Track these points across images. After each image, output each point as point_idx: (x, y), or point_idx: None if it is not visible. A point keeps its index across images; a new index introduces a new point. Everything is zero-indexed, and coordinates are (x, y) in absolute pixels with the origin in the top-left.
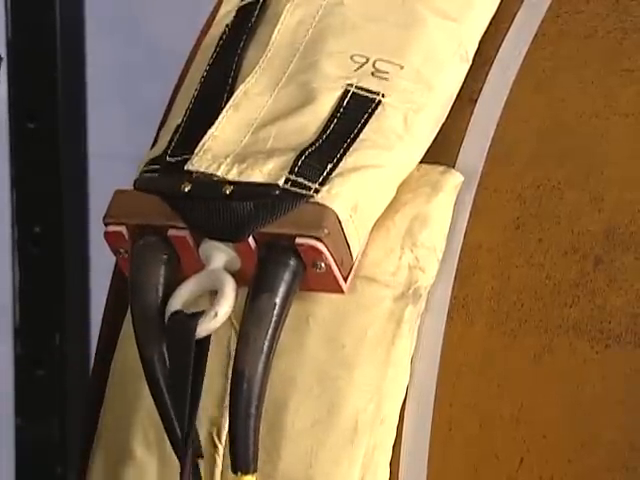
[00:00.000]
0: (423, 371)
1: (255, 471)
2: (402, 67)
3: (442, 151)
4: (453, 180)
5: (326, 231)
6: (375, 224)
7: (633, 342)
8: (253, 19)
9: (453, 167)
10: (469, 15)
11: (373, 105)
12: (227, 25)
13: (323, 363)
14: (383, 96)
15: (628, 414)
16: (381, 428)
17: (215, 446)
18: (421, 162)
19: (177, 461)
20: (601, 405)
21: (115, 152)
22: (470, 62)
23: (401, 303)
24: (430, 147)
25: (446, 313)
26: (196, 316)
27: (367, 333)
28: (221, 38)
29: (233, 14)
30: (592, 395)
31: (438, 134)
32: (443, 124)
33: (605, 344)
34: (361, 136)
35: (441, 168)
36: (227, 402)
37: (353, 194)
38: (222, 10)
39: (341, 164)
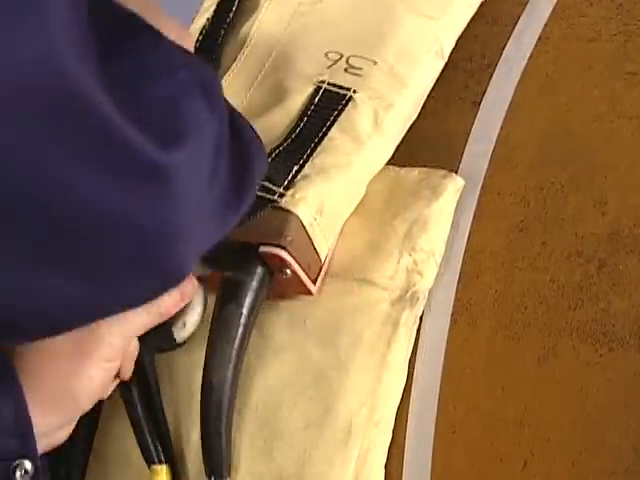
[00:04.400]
0: (427, 374)
1: (228, 476)
2: (375, 63)
3: (445, 154)
4: (454, 185)
5: (289, 239)
6: (374, 227)
7: (637, 345)
8: (231, 14)
9: (456, 170)
10: (446, 12)
11: (344, 102)
12: (208, 19)
13: (319, 365)
14: (354, 92)
15: (632, 417)
16: (375, 430)
17: (186, 442)
18: (424, 166)
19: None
20: (605, 408)
21: None
22: (446, 59)
23: (398, 306)
24: (433, 150)
25: (450, 316)
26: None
27: (363, 336)
28: (201, 33)
29: (213, 8)
30: (596, 398)
31: (441, 137)
32: (446, 127)
33: (609, 347)
34: (329, 134)
35: (442, 172)
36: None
37: (318, 197)
38: (205, 4)
39: (307, 165)
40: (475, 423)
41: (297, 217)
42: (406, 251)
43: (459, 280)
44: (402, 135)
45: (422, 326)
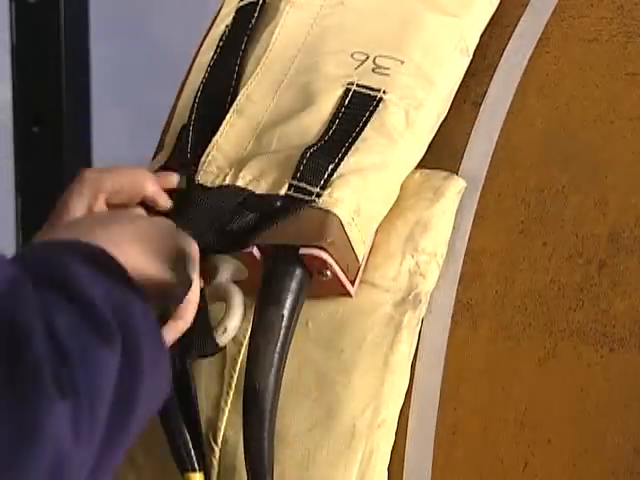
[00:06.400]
0: (427, 375)
1: None
2: (402, 62)
3: (446, 155)
4: (455, 186)
5: (329, 240)
6: (376, 228)
7: (637, 346)
8: (253, 20)
9: (457, 171)
10: (469, 10)
11: (374, 102)
12: (227, 26)
13: (322, 367)
14: (384, 92)
15: (632, 418)
16: (379, 433)
17: (212, 449)
18: (424, 167)
19: (175, 467)
20: (605, 409)
21: (119, 155)
22: (471, 56)
23: (401, 308)
24: (434, 151)
25: (450, 317)
26: None
27: (366, 338)
28: (221, 39)
29: (232, 15)
30: (596, 399)
31: (441, 138)
32: (447, 128)
33: (609, 348)
34: (363, 135)
35: (444, 174)
36: (222, 404)
37: (355, 197)
38: (223, 11)
39: (342, 164)
40: (475, 424)
41: (337, 217)
42: (408, 253)
43: (459, 281)
44: (433, 134)
45: (423, 327)
